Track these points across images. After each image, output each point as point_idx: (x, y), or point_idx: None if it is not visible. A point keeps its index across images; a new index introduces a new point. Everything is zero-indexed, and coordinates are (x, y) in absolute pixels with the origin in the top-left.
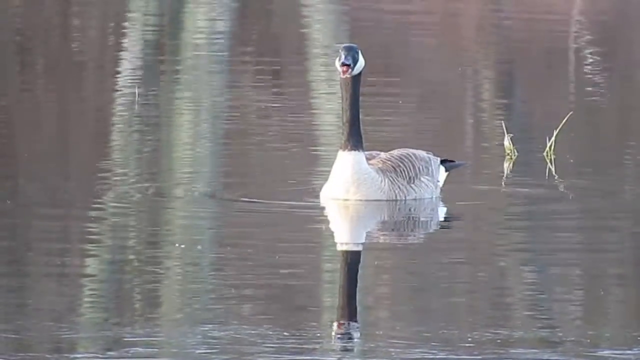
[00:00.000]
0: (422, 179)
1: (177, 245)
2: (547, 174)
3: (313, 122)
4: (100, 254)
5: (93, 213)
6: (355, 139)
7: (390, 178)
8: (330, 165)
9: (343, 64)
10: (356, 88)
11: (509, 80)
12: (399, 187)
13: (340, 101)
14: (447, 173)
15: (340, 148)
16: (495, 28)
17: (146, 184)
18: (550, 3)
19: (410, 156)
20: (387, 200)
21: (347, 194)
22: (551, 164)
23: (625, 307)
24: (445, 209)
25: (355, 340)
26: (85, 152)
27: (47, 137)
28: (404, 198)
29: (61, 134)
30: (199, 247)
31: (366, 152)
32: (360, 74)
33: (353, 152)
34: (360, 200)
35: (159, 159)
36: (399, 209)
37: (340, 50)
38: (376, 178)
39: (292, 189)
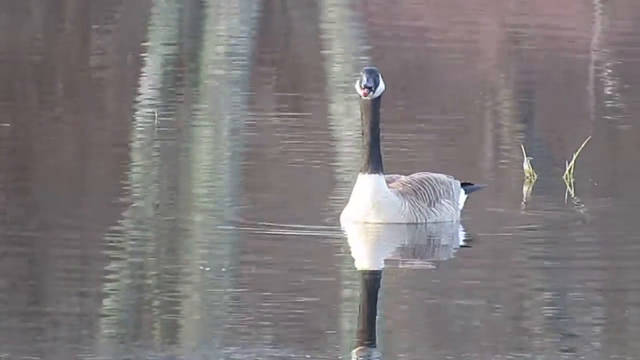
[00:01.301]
0: (442, 202)
1: (202, 268)
2: (566, 198)
3: (333, 144)
4: (121, 275)
5: (112, 236)
6: (375, 162)
7: (411, 201)
8: (350, 187)
9: (365, 87)
10: (376, 111)
11: (528, 103)
12: (420, 210)
13: (360, 124)
14: (466, 196)
15: (360, 171)
16: (514, 50)
17: (165, 207)
18: (570, 26)
19: (431, 180)
20: (407, 224)
21: (368, 217)
22: (571, 187)
23: None
24: (464, 233)
25: None
26: (104, 175)
27: (65, 158)
28: (424, 221)
29: (80, 156)
30: (223, 269)
31: (386, 175)
32: (380, 97)
33: (373, 175)
34: (381, 223)
35: (179, 182)
36: (419, 232)
37: (361, 73)
38: (396, 201)
39: (312, 212)
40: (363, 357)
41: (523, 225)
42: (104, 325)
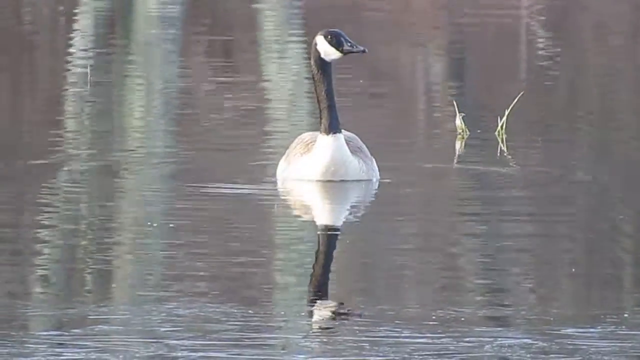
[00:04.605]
0: (373, 159)
1: (148, 224)
2: (498, 153)
3: (264, 102)
4: (58, 232)
5: (46, 192)
6: (335, 123)
7: (362, 158)
8: (282, 145)
9: (363, 51)
10: (330, 74)
11: (460, 60)
12: (372, 168)
13: (314, 87)
14: None
15: (322, 132)
16: (446, 7)
17: (98, 165)
18: None
19: (357, 138)
20: (363, 180)
21: (334, 175)
22: (502, 143)
23: (585, 286)
24: (398, 189)
25: (320, 318)
26: (37, 130)
27: None
28: (372, 178)
29: (12, 110)
30: (171, 225)
31: (316, 132)
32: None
33: (337, 134)
34: (344, 180)
35: (112, 139)
36: (359, 189)
37: (340, 38)
38: (356, 160)
39: (249, 170)
40: (307, 312)
41: (455, 180)
42: (44, 282)
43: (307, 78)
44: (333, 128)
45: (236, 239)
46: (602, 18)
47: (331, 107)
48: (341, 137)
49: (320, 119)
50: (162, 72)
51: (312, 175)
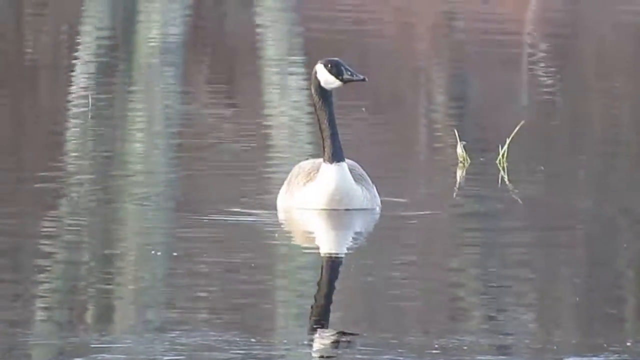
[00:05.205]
0: (374, 187)
1: (153, 252)
2: (499, 182)
3: (266, 130)
4: (59, 260)
5: (48, 222)
6: (339, 151)
7: (365, 187)
8: (282, 174)
9: (364, 80)
10: (331, 102)
11: (462, 88)
12: (375, 196)
13: (316, 116)
14: None
15: (326, 161)
16: (448, 34)
17: (100, 192)
18: (503, 11)
19: (358, 166)
20: (365, 209)
21: (339, 204)
22: (503, 171)
23: (588, 314)
24: (399, 217)
25: (323, 347)
26: (38, 160)
27: None
28: (375, 207)
29: (14, 141)
30: (174, 254)
31: (317, 160)
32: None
33: (341, 163)
34: (347, 209)
35: (113, 165)
36: (360, 218)
37: (340, 67)
38: (359, 189)
39: (251, 197)
40: (309, 340)
41: (456, 209)
42: (47, 311)
43: (308, 99)
44: (336, 157)
45: (238, 267)
46: (605, 45)
47: (334, 136)
48: (345, 165)
49: (323, 147)
50: (163, 98)
51: (316, 204)
